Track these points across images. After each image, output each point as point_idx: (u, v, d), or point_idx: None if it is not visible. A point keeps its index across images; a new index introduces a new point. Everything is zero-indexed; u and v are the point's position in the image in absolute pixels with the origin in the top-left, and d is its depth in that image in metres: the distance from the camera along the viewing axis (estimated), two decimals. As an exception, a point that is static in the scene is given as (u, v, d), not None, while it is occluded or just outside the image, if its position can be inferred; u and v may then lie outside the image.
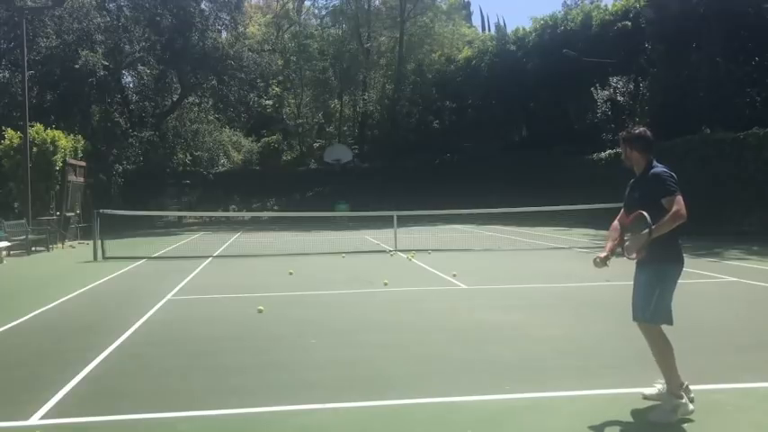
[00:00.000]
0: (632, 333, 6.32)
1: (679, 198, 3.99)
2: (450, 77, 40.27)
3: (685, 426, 3.92)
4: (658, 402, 4.19)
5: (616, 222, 4.37)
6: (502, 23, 68.63)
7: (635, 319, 4.27)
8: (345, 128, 45.23)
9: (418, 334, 6.59)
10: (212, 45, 32.95)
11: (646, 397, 4.34)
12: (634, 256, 4.09)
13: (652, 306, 4.12)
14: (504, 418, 4.12)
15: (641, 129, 4.36)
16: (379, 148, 41.58)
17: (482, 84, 37.48)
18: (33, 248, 17.88)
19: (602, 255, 4.26)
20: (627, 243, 4.13)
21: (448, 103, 40.22)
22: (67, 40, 29.24)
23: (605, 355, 5.35)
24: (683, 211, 3.96)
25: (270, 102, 43.47)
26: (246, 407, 4.37)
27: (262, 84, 38.48)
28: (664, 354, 4.14)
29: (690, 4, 22.16)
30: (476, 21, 63.10)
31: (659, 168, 4.17)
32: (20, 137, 20.70)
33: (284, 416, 4.24)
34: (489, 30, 56.31)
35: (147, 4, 32.30)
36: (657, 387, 4.33)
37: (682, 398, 4.03)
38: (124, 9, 33.21)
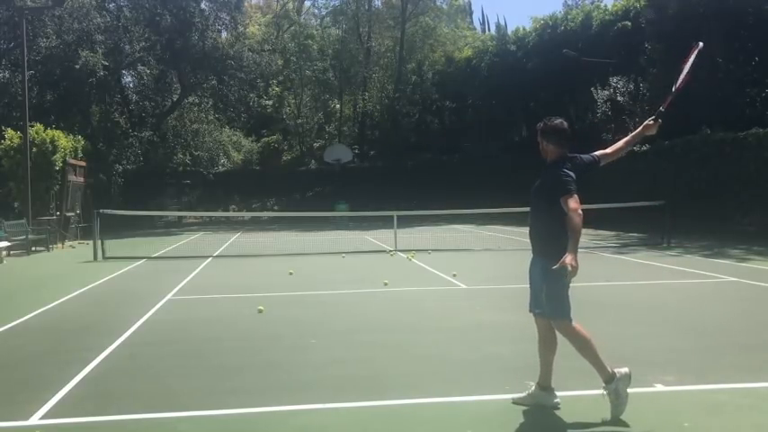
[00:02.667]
0: (631, 333, 6.34)
1: (572, 197, 3.88)
2: (450, 77, 40.25)
3: (686, 425, 3.92)
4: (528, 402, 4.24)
5: None
6: (502, 23, 68.69)
7: (532, 311, 4.30)
8: (345, 128, 45.22)
9: (418, 334, 6.59)
10: (212, 45, 32.96)
11: (516, 402, 4.31)
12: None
13: (547, 298, 4.08)
14: (504, 418, 4.12)
15: (558, 120, 4.19)
16: (379, 148, 41.58)
17: (482, 84, 37.45)
18: (33, 248, 17.88)
19: None
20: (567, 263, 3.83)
21: (448, 103, 40.23)
22: (67, 40, 29.25)
23: (605, 355, 5.31)
24: (578, 207, 3.86)
25: (270, 102, 43.48)
26: (246, 407, 4.37)
27: (262, 84, 38.49)
28: (583, 346, 4.10)
29: (690, 3, 22.14)
30: (476, 21, 63.10)
31: (563, 167, 4.04)
32: (20, 137, 20.71)
33: (284, 416, 4.24)
34: (490, 30, 56.30)
35: (147, 4, 32.31)
36: (525, 392, 4.33)
37: (614, 376, 4.02)
38: (124, 9, 33.23)
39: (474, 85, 38.01)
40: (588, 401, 4.34)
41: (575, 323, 4.13)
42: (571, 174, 4.01)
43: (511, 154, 34.57)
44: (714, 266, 11.84)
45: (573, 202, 3.87)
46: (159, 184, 35.60)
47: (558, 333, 4.21)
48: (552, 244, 3.99)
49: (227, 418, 4.19)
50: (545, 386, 4.28)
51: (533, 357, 5.60)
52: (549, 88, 32.59)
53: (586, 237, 19.51)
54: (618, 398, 4.00)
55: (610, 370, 4.06)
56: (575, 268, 3.79)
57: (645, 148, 22.87)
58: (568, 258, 3.79)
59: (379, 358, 5.62)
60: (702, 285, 9.81)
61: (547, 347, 4.28)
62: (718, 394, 4.49)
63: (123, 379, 5.15)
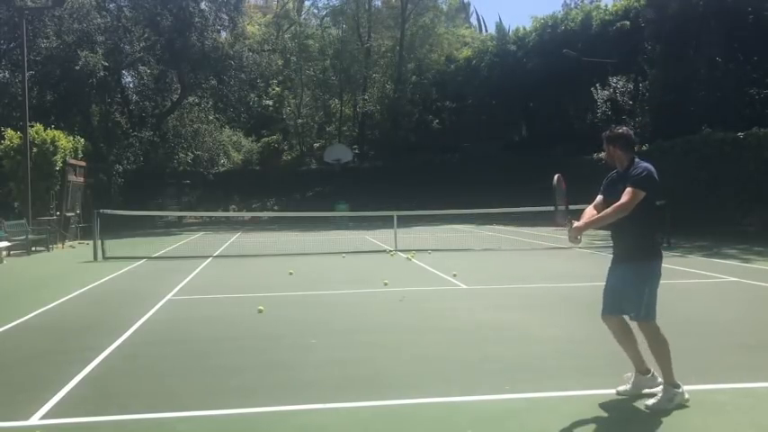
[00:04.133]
0: (632, 333, 6.34)
1: (637, 192, 4.11)
2: (450, 77, 40.26)
3: (686, 425, 3.92)
4: (654, 391, 4.32)
5: (590, 208, 4.53)
6: (499, 22, 68.52)
7: (611, 314, 4.46)
8: (345, 128, 45.20)
9: (418, 334, 6.59)
10: (212, 45, 32.96)
11: (620, 393, 4.44)
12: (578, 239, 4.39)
13: (645, 303, 4.25)
14: (504, 418, 4.12)
15: (623, 128, 4.53)
16: (379, 148, 41.54)
17: (482, 84, 37.46)
18: (33, 248, 17.88)
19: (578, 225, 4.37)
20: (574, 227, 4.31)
21: (448, 103, 40.22)
22: (67, 40, 29.22)
23: (605, 355, 5.34)
24: (629, 204, 4.11)
25: (270, 102, 43.47)
26: (246, 407, 4.37)
27: (262, 84, 38.47)
28: (663, 347, 4.28)
29: (690, 3, 22.16)
30: (474, 23, 62.89)
31: (644, 163, 4.29)
32: (20, 137, 20.71)
33: (284, 416, 4.24)
34: (486, 30, 56.26)
35: (147, 5, 32.28)
36: (628, 383, 4.46)
37: (678, 387, 4.22)
38: (124, 9, 33.19)
39: (474, 85, 38.01)
40: (589, 401, 4.33)
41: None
42: (653, 171, 4.19)
43: (511, 154, 34.58)
44: (714, 266, 11.84)
45: (629, 196, 4.10)
46: (159, 184, 35.57)
47: (648, 331, 4.32)
48: (640, 244, 4.24)
49: (227, 418, 4.19)
50: (644, 371, 4.45)
51: (533, 358, 5.61)
52: (549, 88, 32.59)
53: (587, 237, 19.47)
54: (668, 402, 4.16)
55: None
56: (576, 229, 4.26)
57: (645, 147, 22.86)
58: (577, 223, 4.30)
59: (379, 358, 5.62)
60: (703, 285, 9.81)
61: (627, 339, 4.45)
62: (718, 394, 4.49)
63: (123, 379, 5.15)
